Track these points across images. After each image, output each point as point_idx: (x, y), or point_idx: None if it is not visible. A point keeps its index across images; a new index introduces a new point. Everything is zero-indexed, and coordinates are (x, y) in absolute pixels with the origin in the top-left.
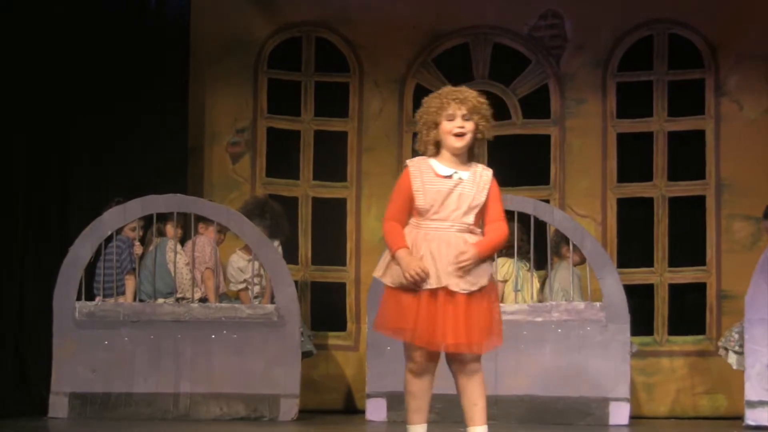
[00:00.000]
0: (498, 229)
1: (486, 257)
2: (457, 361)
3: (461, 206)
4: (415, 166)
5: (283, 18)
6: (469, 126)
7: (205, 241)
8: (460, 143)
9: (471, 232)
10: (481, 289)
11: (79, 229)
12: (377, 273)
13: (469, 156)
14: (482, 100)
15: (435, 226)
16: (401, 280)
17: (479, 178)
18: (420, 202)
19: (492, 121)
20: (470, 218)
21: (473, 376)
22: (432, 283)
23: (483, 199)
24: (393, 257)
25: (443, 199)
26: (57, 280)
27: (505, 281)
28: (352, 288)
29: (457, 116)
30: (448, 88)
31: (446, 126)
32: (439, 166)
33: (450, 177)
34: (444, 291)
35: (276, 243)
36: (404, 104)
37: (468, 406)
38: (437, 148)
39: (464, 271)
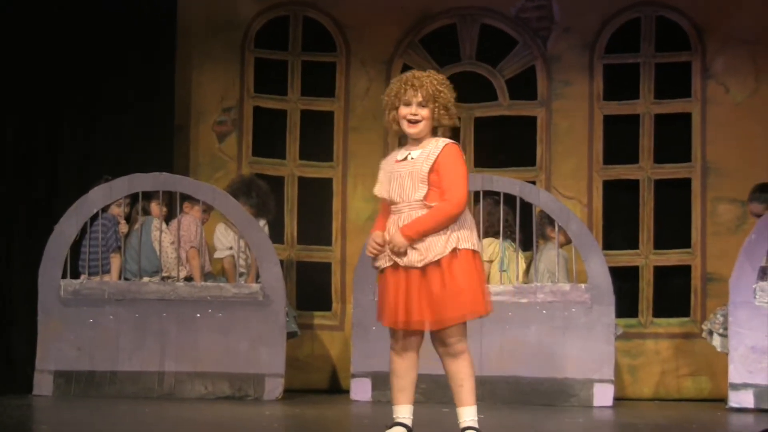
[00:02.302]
0: (439, 206)
1: (418, 238)
2: (440, 343)
3: (408, 186)
4: (386, 160)
5: None
6: (424, 113)
7: (190, 220)
8: (412, 130)
9: (427, 208)
10: (437, 263)
11: (65, 206)
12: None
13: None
14: (441, 87)
15: (394, 209)
16: (376, 265)
17: (429, 150)
18: (380, 193)
19: (452, 110)
20: (420, 194)
21: (458, 357)
22: (384, 262)
23: (426, 169)
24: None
25: (401, 182)
26: (42, 258)
27: (490, 261)
28: (337, 268)
29: (412, 102)
30: (409, 73)
31: (402, 111)
32: (400, 151)
33: (405, 159)
34: (401, 270)
35: (262, 222)
36: None
37: (455, 387)
38: (400, 128)
39: (398, 254)
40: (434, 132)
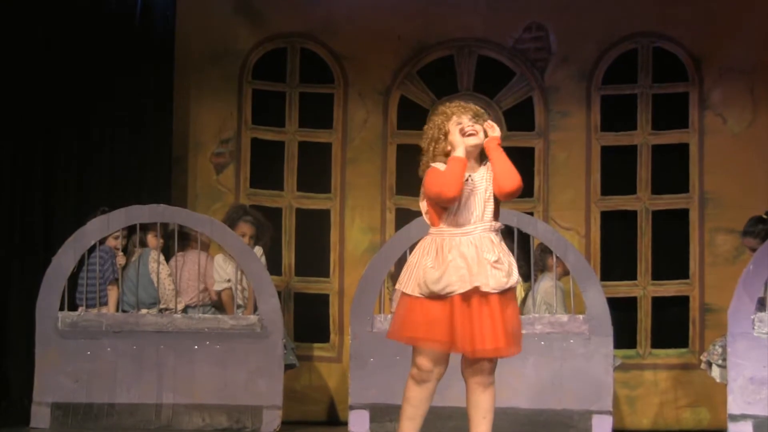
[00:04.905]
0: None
1: (496, 156)
2: (476, 372)
3: (478, 205)
4: (441, 167)
5: (268, 29)
6: (478, 127)
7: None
8: (473, 141)
9: (495, 230)
10: (511, 290)
11: (62, 238)
12: (401, 287)
13: (482, 161)
14: (485, 111)
15: (459, 231)
16: (430, 290)
17: (488, 171)
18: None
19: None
20: (489, 213)
21: (488, 389)
22: (459, 288)
23: (487, 193)
24: (460, 160)
25: (463, 203)
26: (40, 290)
27: None
28: (335, 299)
29: (464, 121)
30: (450, 102)
31: (454, 129)
32: None
33: (465, 181)
34: (477, 295)
35: (260, 253)
36: (389, 116)
37: (477, 417)
38: (447, 159)
39: (484, 127)
40: (483, 158)
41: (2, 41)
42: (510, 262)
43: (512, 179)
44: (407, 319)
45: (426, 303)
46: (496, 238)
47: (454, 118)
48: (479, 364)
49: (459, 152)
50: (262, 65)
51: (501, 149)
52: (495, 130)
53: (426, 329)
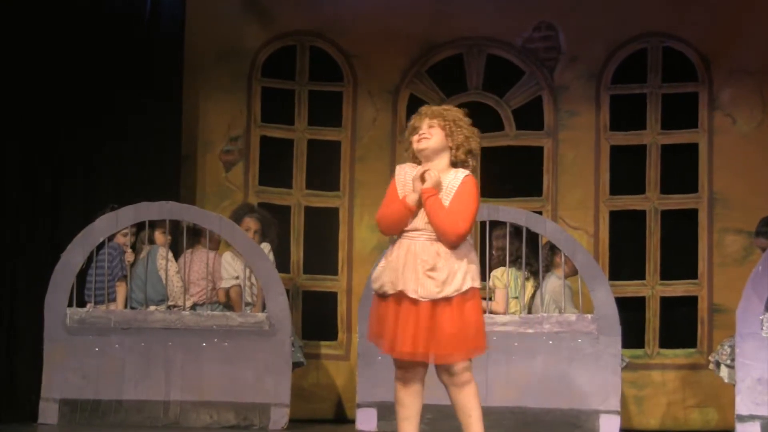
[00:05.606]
0: (449, 221)
1: (430, 201)
2: (445, 373)
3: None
4: (401, 173)
5: (278, 27)
6: (433, 131)
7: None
8: (419, 145)
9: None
10: (448, 299)
11: (71, 235)
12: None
13: (452, 165)
14: (449, 107)
15: (406, 235)
16: (375, 287)
17: (449, 182)
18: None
19: (464, 126)
20: None
21: (463, 388)
22: (389, 289)
23: (446, 202)
24: (407, 207)
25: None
26: (48, 287)
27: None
28: (343, 297)
29: (421, 127)
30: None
31: (413, 138)
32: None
33: None
34: (408, 298)
35: (267, 250)
36: (398, 114)
37: (463, 417)
38: (417, 162)
39: (419, 179)
40: (454, 164)
41: (11, 40)
42: (454, 272)
43: (443, 235)
44: (369, 317)
45: (377, 300)
46: (445, 249)
47: (415, 126)
48: (447, 366)
49: (410, 199)
50: (271, 63)
51: (435, 200)
52: (429, 180)
53: (373, 326)
